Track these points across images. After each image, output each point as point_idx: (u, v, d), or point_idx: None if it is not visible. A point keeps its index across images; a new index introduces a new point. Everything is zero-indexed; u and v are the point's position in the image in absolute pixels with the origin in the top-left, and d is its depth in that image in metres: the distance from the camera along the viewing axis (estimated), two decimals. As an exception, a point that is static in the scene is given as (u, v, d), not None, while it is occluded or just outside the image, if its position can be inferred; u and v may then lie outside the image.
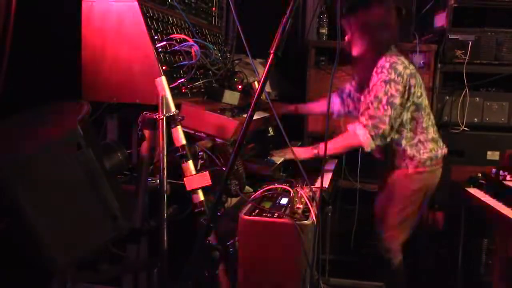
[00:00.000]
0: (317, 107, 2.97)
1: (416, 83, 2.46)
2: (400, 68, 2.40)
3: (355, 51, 2.55)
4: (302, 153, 2.48)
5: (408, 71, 2.42)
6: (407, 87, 2.41)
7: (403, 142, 2.52)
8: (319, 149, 2.45)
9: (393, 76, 2.38)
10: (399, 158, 2.55)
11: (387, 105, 2.36)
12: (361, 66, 2.58)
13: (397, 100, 2.38)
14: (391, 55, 2.44)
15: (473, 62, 3.20)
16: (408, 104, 2.46)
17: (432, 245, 3.28)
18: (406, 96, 2.42)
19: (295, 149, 2.59)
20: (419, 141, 2.52)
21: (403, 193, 2.57)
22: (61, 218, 1.36)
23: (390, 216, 2.60)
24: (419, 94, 2.48)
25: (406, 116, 2.48)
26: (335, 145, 2.47)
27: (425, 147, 2.52)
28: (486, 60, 3.21)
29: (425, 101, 2.54)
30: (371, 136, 2.37)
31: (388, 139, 2.44)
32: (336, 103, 2.86)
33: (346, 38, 2.56)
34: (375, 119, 2.36)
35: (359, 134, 2.39)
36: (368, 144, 2.39)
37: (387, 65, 2.40)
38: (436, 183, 2.64)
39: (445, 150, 2.61)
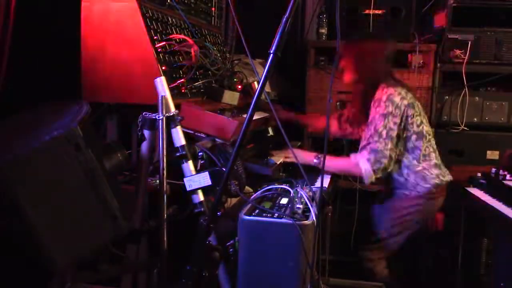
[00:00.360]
0: (317, 122, 3.02)
1: (415, 113, 2.48)
2: (397, 100, 2.42)
3: (347, 78, 2.60)
4: (303, 157, 2.48)
5: (405, 102, 2.45)
6: (403, 118, 2.44)
7: (405, 171, 2.54)
8: (321, 160, 2.46)
9: (390, 109, 2.41)
10: (402, 187, 2.58)
11: (387, 138, 2.39)
12: (355, 98, 2.66)
13: (395, 133, 2.41)
14: (388, 87, 2.47)
15: (472, 62, 3.20)
16: (409, 133, 2.49)
17: (432, 245, 3.27)
18: (402, 127, 2.45)
19: (297, 151, 2.60)
20: (424, 168, 2.53)
21: (399, 212, 2.59)
22: (60, 218, 1.36)
23: (381, 229, 2.64)
24: (418, 122, 2.51)
25: (409, 145, 2.51)
26: (335, 166, 2.52)
27: (431, 173, 2.53)
28: (486, 59, 3.21)
29: (425, 128, 2.55)
30: (373, 170, 2.40)
31: (389, 170, 2.47)
32: (332, 125, 2.89)
33: (341, 64, 2.60)
34: (376, 153, 2.39)
35: (362, 166, 2.40)
36: (369, 178, 2.42)
37: (384, 97, 2.43)
38: (436, 211, 2.66)
39: (449, 176, 2.62)
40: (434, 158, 2.57)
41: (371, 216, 2.83)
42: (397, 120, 2.41)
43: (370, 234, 2.73)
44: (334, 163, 2.51)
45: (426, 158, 2.53)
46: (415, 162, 2.52)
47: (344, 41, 2.59)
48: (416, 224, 2.62)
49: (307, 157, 2.49)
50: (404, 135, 2.48)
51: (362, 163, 2.40)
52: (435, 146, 2.61)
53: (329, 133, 2.91)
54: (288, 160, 2.48)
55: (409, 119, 2.46)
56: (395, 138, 2.41)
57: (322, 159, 2.45)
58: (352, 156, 2.48)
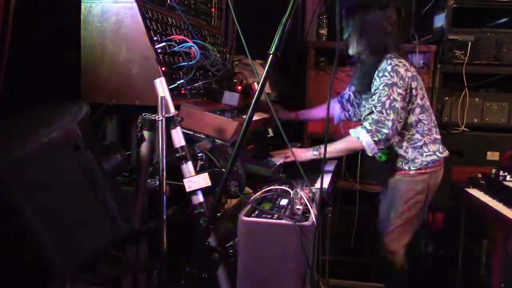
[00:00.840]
0: (318, 113, 2.98)
1: (418, 85, 2.47)
2: (402, 71, 2.40)
3: (351, 50, 2.56)
4: (302, 154, 2.48)
5: (409, 74, 2.43)
6: (408, 90, 2.42)
7: (405, 145, 2.52)
8: (320, 151, 2.45)
9: (395, 79, 2.38)
10: (401, 161, 2.55)
11: (389, 109, 2.36)
12: (360, 70, 2.59)
13: (399, 104, 2.38)
14: (392, 58, 2.44)
15: (472, 63, 3.20)
16: (413, 106, 2.47)
17: (432, 245, 3.27)
18: (407, 99, 2.42)
19: (295, 150, 2.59)
20: (424, 143, 2.52)
21: (406, 195, 2.57)
22: (60, 219, 1.36)
23: (393, 219, 2.60)
24: (421, 95, 2.49)
25: (413, 118, 2.49)
26: (336, 148, 2.47)
27: (429, 149, 2.53)
28: (486, 60, 3.21)
29: (427, 102, 2.55)
30: (374, 141, 2.37)
31: (391, 142, 2.44)
32: (335, 108, 2.86)
33: (343, 37, 2.56)
34: (378, 123, 2.36)
35: (362, 139, 2.38)
36: (372, 149, 2.39)
37: (389, 68, 2.40)
38: (438, 183, 2.64)
39: (446, 152, 2.62)
40: (435, 133, 2.57)
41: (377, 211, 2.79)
42: (402, 92, 2.38)
43: (385, 225, 2.69)
44: (334, 146, 2.46)
45: (428, 132, 2.53)
46: (418, 136, 2.51)
47: (344, 13, 2.53)
48: (424, 204, 2.61)
49: (306, 152, 2.48)
50: (409, 107, 2.46)
51: (362, 136, 2.38)
52: (436, 122, 2.61)
53: (334, 119, 2.88)
54: (288, 160, 2.47)
55: (414, 91, 2.44)
56: (398, 109, 2.38)
57: (321, 150, 2.45)
58: (351, 131, 2.46)
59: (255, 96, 1.46)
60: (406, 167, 2.54)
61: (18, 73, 1.99)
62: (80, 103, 1.53)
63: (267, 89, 2.94)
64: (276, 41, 1.44)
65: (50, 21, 2.16)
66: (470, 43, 3.18)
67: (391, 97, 2.37)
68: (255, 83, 2.60)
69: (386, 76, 2.39)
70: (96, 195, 1.40)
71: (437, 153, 2.54)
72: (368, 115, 2.41)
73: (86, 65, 1.97)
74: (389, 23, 2.48)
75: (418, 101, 2.47)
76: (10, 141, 1.43)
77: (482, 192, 2.76)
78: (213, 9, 2.79)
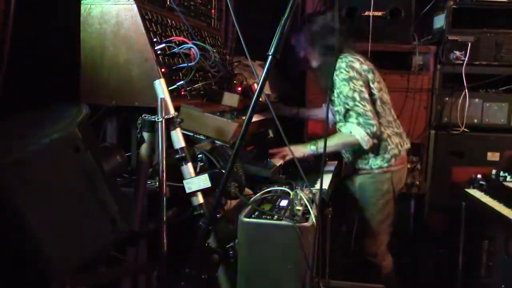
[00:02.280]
0: (318, 113, 3.06)
1: (375, 78, 2.53)
2: (356, 65, 2.47)
3: (314, 63, 2.64)
4: (300, 151, 2.48)
5: (365, 66, 2.50)
6: (367, 82, 2.48)
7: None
8: (317, 145, 2.46)
9: (352, 73, 2.44)
10: (362, 158, 2.58)
11: (362, 100, 2.41)
12: (318, 71, 2.67)
13: (366, 95, 2.43)
14: (347, 56, 2.51)
15: (472, 63, 3.21)
16: (373, 97, 2.51)
17: (432, 246, 3.27)
18: (368, 90, 2.47)
19: (293, 147, 2.59)
20: (388, 136, 2.55)
21: (374, 197, 2.61)
22: (59, 221, 1.36)
23: (368, 222, 2.63)
24: (378, 88, 2.54)
25: (374, 109, 2.52)
26: (331, 143, 2.49)
27: (392, 142, 2.55)
28: (486, 61, 3.22)
29: (385, 96, 2.58)
30: (367, 133, 2.39)
31: (378, 133, 2.46)
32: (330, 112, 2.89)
33: (300, 55, 2.65)
34: (361, 116, 2.40)
35: (355, 132, 2.41)
36: (367, 142, 2.41)
37: (343, 65, 2.47)
38: (403, 181, 2.67)
39: (408, 145, 2.65)
40: (395, 126, 2.61)
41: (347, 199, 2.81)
42: (362, 83, 2.44)
43: (362, 229, 2.73)
44: (329, 142, 2.47)
45: (389, 125, 2.57)
46: (381, 128, 2.53)
47: (292, 33, 2.61)
48: (395, 202, 2.65)
49: (303, 149, 2.50)
50: (372, 98, 2.51)
51: (354, 130, 2.41)
52: (395, 116, 2.65)
53: (330, 121, 2.91)
54: (287, 159, 2.48)
55: (371, 83, 2.51)
56: (368, 99, 2.43)
57: (318, 144, 2.47)
58: (342, 128, 2.50)
59: (254, 97, 1.46)
60: (368, 166, 2.56)
61: (18, 75, 1.99)
62: (80, 104, 1.53)
63: (267, 90, 2.94)
64: (275, 42, 1.45)
65: (50, 23, 2.16)
66: (470, 44, 3.18)
67: (357, 89, 2.42)
68: (255, 84, 2.60)
69: (342, 72, 2.46)
70: (96, 196, 1.40)
71: (399, 146, 2.58)
72: (346, 113, 2.44)
73: (86, 66, 1.97)
74: (332, 25, 2.52)
75: (376, 92, 2.52)
76: (10, 142, 1.43)
77: (482, 193, 2.76)
78: (213, 11, 2.79)
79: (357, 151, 2.57)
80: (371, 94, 2.50)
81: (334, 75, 2.47)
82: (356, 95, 2.41)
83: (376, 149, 2.54)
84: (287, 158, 2.46)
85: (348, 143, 2.52)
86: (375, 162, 2.55)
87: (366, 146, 2.43)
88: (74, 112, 1.46)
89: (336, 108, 2.58)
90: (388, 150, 2.54)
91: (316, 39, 2.57)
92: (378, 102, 2.53)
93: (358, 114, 2.39)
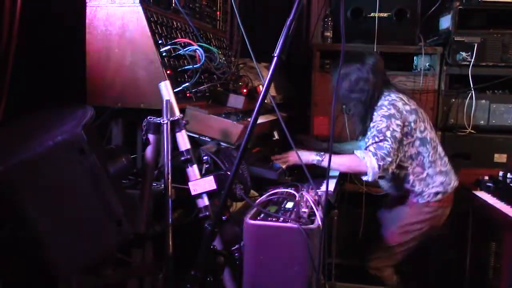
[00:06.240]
0: (351, 147, 2.94)
1: (418, 118, 2.50)
2: (399, 104, 2.46)
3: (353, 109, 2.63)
4: (305, 157, 2.46)
5: (407, 107, 2.48)
6: (406, 123, 2.46)
7: (411, 178, 2.55)
8: (322, 158, 2.44)
9: (392, 111, 2.43)
10: (409, 195, 2.60)
11: (391, 138, 2.40)
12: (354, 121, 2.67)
13: (399, 135, 2.42)
14: (390, 94, 2.51)
15: (479, 64, 3.19)
16: (412, 139, 2.50)
17: (440, 248, 3.25)
18: (404, 131, 2.46)
19: (300, 151, 2.59)
20: (428, 175, 2.55)
21: (407, 219, 2.60)
22: (65, 223, 1.36)
23: (388, 236, 2.62)
24: (422, 128, 2.52)
25: (413, 151, 2.52)
26: (338, 161, 2.48)
27: (434, 181, 2.54)
28: (492, 62, 3.20)
29: (430, 135, 2.56)
30: (379, 165, 2.36)
31: (389, 172, 2.45)
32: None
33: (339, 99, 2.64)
34: (382, 149, 2.38)
35: (367, 160, 2.37)
36: (374, 174, 2.37)
37: (386, 102, 2.47)
38: (442, 223, 2.66)
39: (456, 183, 2.63)
40: (440, 165, 2.57)
41: (378, 220, 2.82)
42: (400, 123, 2.42)
43: (375, 240, 2.72)
44: (337, 159, 2.48)
45: (431, 165, 2.54)
46: (419, 169, 2.53)
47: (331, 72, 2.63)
48: (422, 235, 2.63)
49: (308, 156, 2.47)
50: (408, 141, 2.49)
51: (368, 158, 2.38)
52: (442, 153, 2.61)
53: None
54: (291, 163, 2.46)
55: (412, 124, 2.48)
56: (398, 140, 2.41)
57: (324, 157, 2.44)
58: (357, 152, 2.46)
59: (259, 99, 1.45)
60: (415, 200, 2.56)
61: (23, 77, 2.00)
62: (85, 106, 1.53)
63: (272, 91, 2.93)
64: (280, 43, 1.44)
65: (55, 25, 2.17)
66: (476, 45, 3.16)
67: (391, 128, 2.41)
68: (260, 86, 2.60)
69: (383, 108, 2.46)
70: (101, 198, 1.40)
71: (445, 184, 2.56)
72: (370, 144, 2.42)
73: (91, 68, 1.97)
74: (373, 70, 2.53)
75: (418, 134, 2.51)
76: (15, 145, 1.44)
77: (490, 195, 2.75)
78: (218, 12, 2.79)
79: (405, 185, 2.58)
80: (408, 136, 2.48)
81: (375, 111, 2.48)
82: (388, 133, 2.39)
83: (419, 186, 2.55)
84: (289, 163, 2.45)
85: (354, 168, 2.48)
86: (421, 198, 2.56)
87: (372, 178, 2.39)
88: (79, 114, 1.46)
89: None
90: (430, 187, 2.55)
91: (357, 87, 2.54)
92: (417, 143, 2.51)
93: (380, 148, 2.37)
